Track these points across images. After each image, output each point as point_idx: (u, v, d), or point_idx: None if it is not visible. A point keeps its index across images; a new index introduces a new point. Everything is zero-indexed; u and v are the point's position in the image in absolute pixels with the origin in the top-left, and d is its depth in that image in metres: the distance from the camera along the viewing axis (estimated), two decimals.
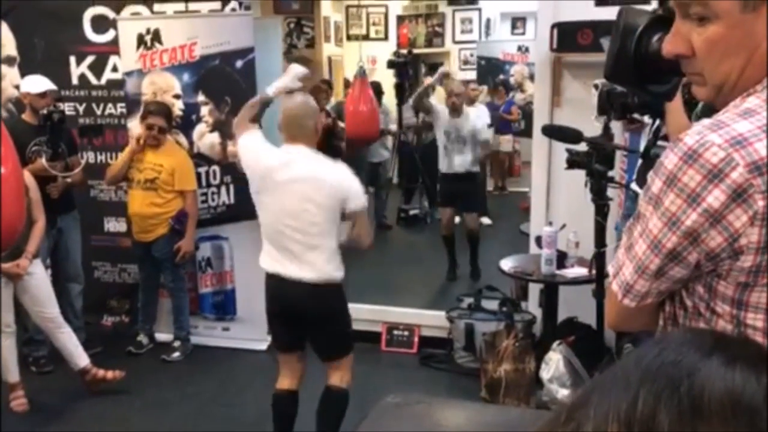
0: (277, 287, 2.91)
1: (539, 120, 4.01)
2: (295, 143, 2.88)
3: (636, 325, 1.20)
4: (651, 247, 1.04)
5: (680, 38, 1.06)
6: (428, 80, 7.84)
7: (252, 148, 2.97)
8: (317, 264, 2.84)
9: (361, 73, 6.61)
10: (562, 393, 3.21)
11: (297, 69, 3.16)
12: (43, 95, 4.19)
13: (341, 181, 2.87)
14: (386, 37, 9.89)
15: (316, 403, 3.06)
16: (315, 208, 2.81)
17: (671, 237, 1.01)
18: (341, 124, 6.41)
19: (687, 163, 0.97)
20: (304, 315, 2.91)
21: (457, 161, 5.50)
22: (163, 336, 4.66)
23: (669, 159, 1.00)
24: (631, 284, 1.09)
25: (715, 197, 0.95)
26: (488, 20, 9.89)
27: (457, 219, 6.06)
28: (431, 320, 4.51)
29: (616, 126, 3.10)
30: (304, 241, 2.83)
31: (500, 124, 8.35)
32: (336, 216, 2.86)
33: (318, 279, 2.84)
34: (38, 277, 3.79)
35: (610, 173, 3.11)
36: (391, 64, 7.10)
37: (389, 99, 7.61)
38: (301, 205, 2.81)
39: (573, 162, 3.19)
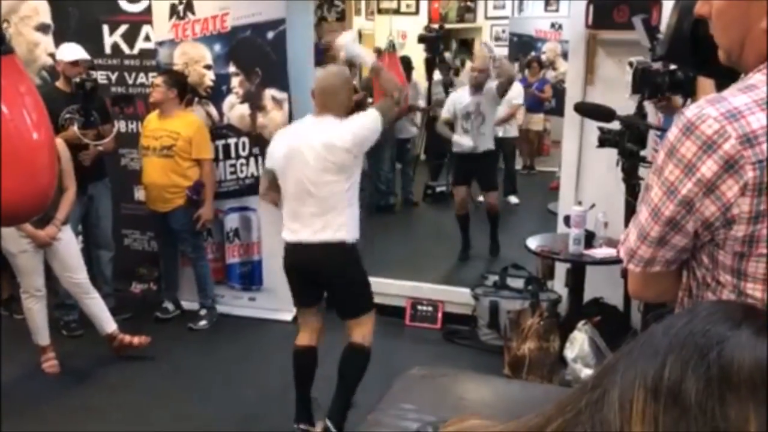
0: (294, 251, 3.06)
1: (572, 98, 3.95)
2: (323, 113, 2.99)
3: (651, 293, 1.26)
4: (651, 215, 1.10)
5: (706, 1, 1.13)
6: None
7: (277, 137, 3.16)
8: (331, 227, 2.96)
9: (391, 48, 6.57)
10: (586, 372, 3.20)
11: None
12: (75, 63, 4.22)
13: (353, 130, 2.95)
14: (417, 12, 9.82)
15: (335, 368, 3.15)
16: (335, 174, 2.94)
17: (669, 205, 1.07)
18: (370, 100, 6.39)
19: (685, 134, 1.03)
20: (321, 276, 3.06)
21: (474, 140, 5.43)
22: (189, 304, 4.72)
23: (671, 131, 1.06)
24: (634, 250, 1.15)
25: (708, 167, 1.01)
26: None
27: (480, 198, 6.03)
28: (456, 297, 4.51)
29: (649, 105, 3.05)
30: (321, 207, 2.96)
31: (531, 103, 8.26)
32: (357, 170, 3.00)
33: (331, 240, 2.97)
34: (68, 242, 3.85)
35: (642, 152, 3.07)
36: (422, 39, 7.05)
37: (419, 74, 7.56)
38: (321, 174, 2.93)
39: (604, 140, 3.16)
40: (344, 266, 3.07)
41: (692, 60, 1.29)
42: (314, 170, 2.93)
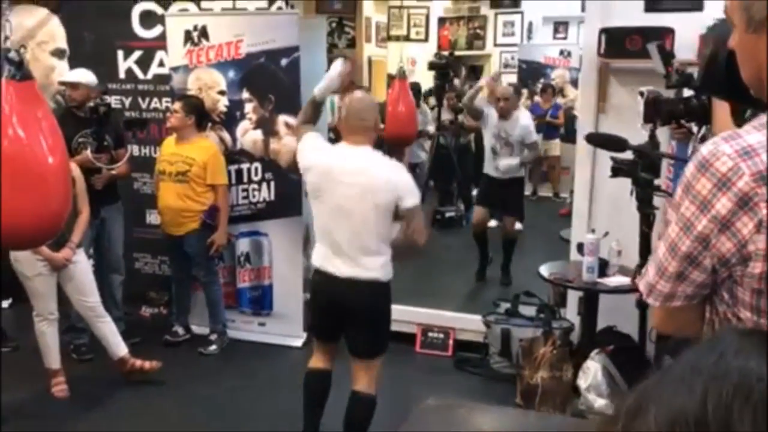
0: (326, 283, 2.95)
1: (583, 126, 3.96)
2: (354, 138, 2.90)
3: (673, 327, 1.24)
4: (669, 250, 1.11)
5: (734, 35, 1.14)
6: (482, 82, 7.80)
7: (310, 148, 3.00)
8: (368, 264, 2.86)
9: (401, 74, 6.60)
10: (600, 402, 3.17)
11: (337, 66, 3.21)
12: (74, 86, 4.23)
13: (395, 179, 2.87)
14: (427, 39, 9.88)
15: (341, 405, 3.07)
16: (369, 209, 2.82)
17: (686, 241, 1.07)
18: (382, 126, 6.41)
19: (700, 171, 1.04)
20: (349, 312, 2.94)
21: (502, 166, 5.44)
22: (200, 329, 4.71)
23: (688, 168, 1.07)
24: (653, 284, 1.15)
25: (723, 204, 1.01)
26: (530, 24, 9.83)
27: (492, 222, 6.01)
28: (467, 324, 4.48)
29: (662, 134, 3.05)
30: (356, 240, 2.85)
31: (546, 129, 8.23)
32: (389, 215, 2.86)
33: (367, 278, 2.87)
34: (81, 266, 3.86)
35: (656, 182, 3.06)
36: (432, 66, 7.08)
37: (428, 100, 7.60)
38: (356, 205, 2.82)
39: (618, 170, 3.14)
40: (378, 308, 2.97)
41: (727, 90, 1.29)
42: (355, 202, 2.81)
